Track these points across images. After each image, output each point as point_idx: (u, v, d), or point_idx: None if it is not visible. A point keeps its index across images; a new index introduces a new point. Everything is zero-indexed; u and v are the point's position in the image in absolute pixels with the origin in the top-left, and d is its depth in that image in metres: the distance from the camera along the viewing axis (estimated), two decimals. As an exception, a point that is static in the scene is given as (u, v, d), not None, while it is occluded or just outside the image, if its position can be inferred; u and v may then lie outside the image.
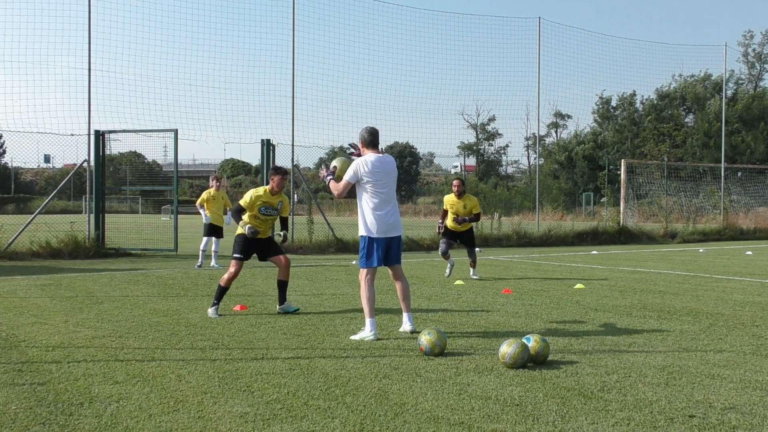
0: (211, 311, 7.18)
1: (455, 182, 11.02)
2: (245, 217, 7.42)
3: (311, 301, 8.25)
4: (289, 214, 7.69)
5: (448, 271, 11.18)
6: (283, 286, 7.45)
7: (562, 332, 6.36)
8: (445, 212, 11.11)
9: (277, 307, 7.48)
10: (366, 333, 5.98)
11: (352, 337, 6.01)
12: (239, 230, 7.42)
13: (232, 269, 7.29)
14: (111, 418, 3.76)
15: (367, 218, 6.10)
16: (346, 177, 6.13)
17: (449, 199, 11.05)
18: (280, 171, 7.62)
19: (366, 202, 6.10)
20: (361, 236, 6.16)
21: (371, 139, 6.23)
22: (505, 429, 3.64)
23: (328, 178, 6.31)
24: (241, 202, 7.45)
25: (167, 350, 5.50)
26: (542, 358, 5.08)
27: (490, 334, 6.24)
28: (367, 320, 6.02)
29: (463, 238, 11.23)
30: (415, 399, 4.16)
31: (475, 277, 11.12)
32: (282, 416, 3.82)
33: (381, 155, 6.19)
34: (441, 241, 11.23)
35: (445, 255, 11.07)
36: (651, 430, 3.64)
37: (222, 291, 7.27)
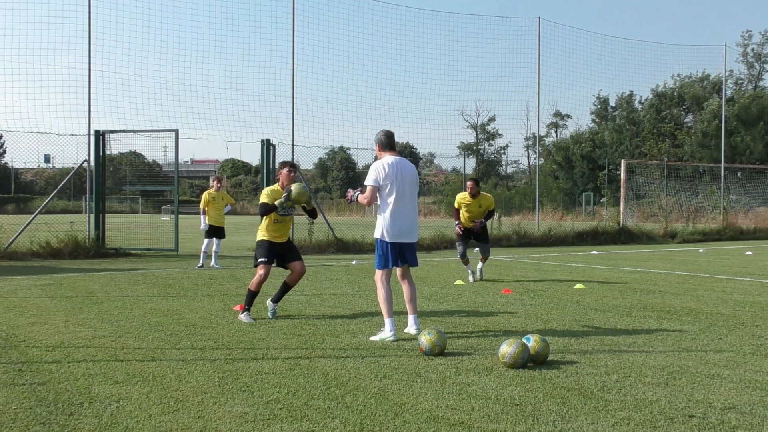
0: (244, 317, 6.91)
1: (469, 183, 10.53)
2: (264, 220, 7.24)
3: (311, 301, 8.25)
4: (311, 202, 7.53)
5: (471, 277, 10.68)
6: (286, 288, 7.26)
7: (562, 332, 6.36)
8: (458, 211, 10.65)
9: (269, 300, 7.29)
10: (386, 333, 5.94)
11: (372, 338, 5.98)
12: (261, 236, 7.26)
13: (260, 272, 7.08)
14: (111, 418, 3.76)
15: (381, 221, 6.09)
16: (369, 182, 6.09)
17: (463, 199, 10.58)
18: (287, 164, 7.37)
19: (381, 205, 6.09)
20: (376, 238, 6.17)
21: (388, 141, 6.21)
22: (505, 429, 3.64)
23: (356, 194, 6.29)
24: (265, 199, 7.17)
25: (167, 350, 5.50)
26: (542, 358, 5.08)
27: (490, 334, 6.24)
28: (386, 320, 5.98)
29: (476, 235, 10.70)
30: (415, 399, 4.17)
31: (478, 274, 10.74)
32: (282, 416, 3.82)
33: (398, 158, 6.18)
34: (457, 243, 10.75)
35: (464, 258, 10.61)
36: (651, 430, 3.64)
37: (252, 295, 7.10)
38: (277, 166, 9.85)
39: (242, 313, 7.03)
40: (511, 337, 5.64)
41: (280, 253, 7.27)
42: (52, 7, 18.95)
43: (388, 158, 6.14)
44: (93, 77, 15.28)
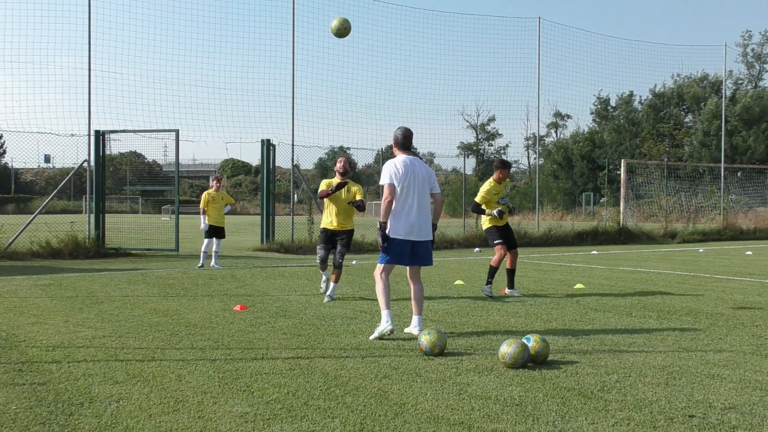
0: (486, 288, 8.77)
1: (341, 159, 8.73)
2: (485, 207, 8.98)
3: (311, 301, 8.25)
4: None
5: (323, 285, 8.84)
6: (511, 273, 9.05)
7: (562, 332, 6.36)
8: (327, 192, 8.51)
9: (506, 290, 9.00)
10: (383, 325, 5.95)
11: (371, 337, 5.96)
12: (488, 224, 8.99)
13: (500, 251, 8.83)
14: (111, 418, 3.76)
15: (392, 218, 6.09)
16: (385, 180, 6.08)
17: (329, 186, 8.56)
18: (507, 164, 9.18)
19: (394, 203, 6.09)
20: (387, 233, 6.15)
21: (404, 141, 6.25)
22: (505, 429, 3.64)
23: (380, 236, 6.10)
24: (478, 199, 9.00)
25: (167, 350, 5.50)
26: (542, 358, 5.08)
27: (490, 334, 6.24)
28: (383, 312, 5.99)
29: (343, 237, 8.62)
30: (415, 399, 4.17)
31: (328, 296, 8.39)
32: (282, 416, 3.82)
33: (411, 157, 6.20)
34: (319, 246, 8.74)
35: (324, 263, 8.71)
36: (651, 430, 3.64)
37: (493, 270, 8.83)
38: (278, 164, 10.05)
39: (486, 285, 8.80)
40: (511, 337, 5.63)
41: (508, 235, 9.09)
42: (52, 7, 18.96)
43: (401, 157, 6.18)
44: (93, 77, 15.29)
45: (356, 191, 8.58)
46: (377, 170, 52.01)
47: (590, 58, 26.08)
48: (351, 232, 8.76)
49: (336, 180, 8.61)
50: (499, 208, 8.85)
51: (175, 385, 4.44)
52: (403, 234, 6.05)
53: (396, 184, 6.06)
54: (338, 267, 8.46)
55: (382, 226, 6.07)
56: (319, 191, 8.66)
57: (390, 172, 6.09)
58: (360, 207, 8.49)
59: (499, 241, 8.86)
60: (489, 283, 8.80)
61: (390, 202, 6.05)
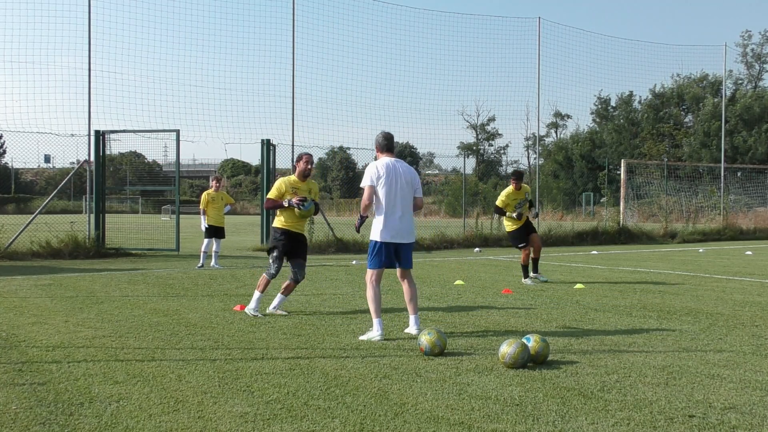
0: (526, 281, 10.30)
1: (305, 157, 7.40)
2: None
3: (311, 301, 8.25)
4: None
5: (257, 310, 7.30)
6: (535, 262, 10.55)
7: (562, 332, 6.36)
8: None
9: (531, 275, 10.49)
10: (373, 333, 5.97)
11: (361, 337, 6.00)
12: (511, 227, 10.60)
13: (525, 251, 10.44)
14: (111, 418, 3.76)
15: (376, 222, 6.13)
16: (365, 182, 6.10)
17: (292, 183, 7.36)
18: (518, 175, 10.59)
19: (377, 206, 6.13)
20: (370, 239, 6.19)
21: (386, 143, 6.27)
22: (505, 429, 3.64)
23: (359, 221, 6.57)
24: (499, 203, 10.54)
25: (167, 350, 5.50)
26: (542, 358, 5.08)
27: (490, 334, 6.24)
28: (374, 320, 6.01)
29: (303, 245, 7.69)
30: (415, 399, 4.17)
31: (273, 307, 7.43)
32: (282, 416, 3.82)
33: (393, 159, 6.21)
34: (278, 251, 7.50)
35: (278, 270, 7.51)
36: (651, 430, 3.64)
37: (525, 267, 10.47)
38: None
39: (524, 278, 10.42)
40: (511, 337, 5.64)
41: (527, 232, 10.52)
42: (52, 7, 18.95)
43: (384, 159, 6.20)
44: (93, 77, 15.30)
45: (315, 192, 7.51)
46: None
47: (590, 58, 26.11)
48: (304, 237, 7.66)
49: (293, 181, 7.34)
50: (519, 211, 10.39)
51: (175, 385, 4.44)
52: (389, 238, 6.07)
53: (376, 186, 6.07)
54: (298, 282, 7.47)
55: (362, 218, 6.43)
56: (268, 196, 7.41)
57: (371, 174, 6.11)
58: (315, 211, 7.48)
59: (523, 244, 10.46)
60: (526, 276, 10.49)
61: (367, 206, 6.17)
